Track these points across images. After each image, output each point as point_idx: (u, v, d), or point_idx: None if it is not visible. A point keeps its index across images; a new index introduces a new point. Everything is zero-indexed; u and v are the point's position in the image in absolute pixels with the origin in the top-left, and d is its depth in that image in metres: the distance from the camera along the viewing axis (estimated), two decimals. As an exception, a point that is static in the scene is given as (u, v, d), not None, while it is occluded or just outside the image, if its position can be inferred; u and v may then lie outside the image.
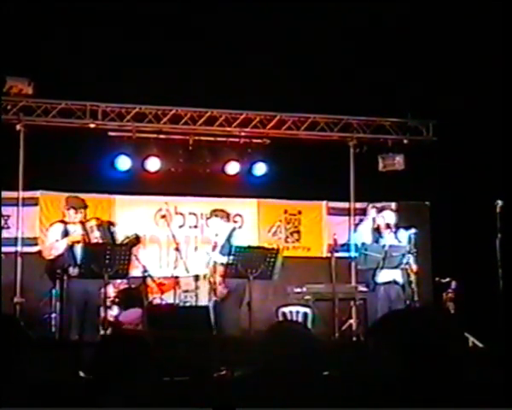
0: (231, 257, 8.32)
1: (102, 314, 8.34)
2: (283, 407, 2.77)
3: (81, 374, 6.48)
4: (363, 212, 10.02)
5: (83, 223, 8.38)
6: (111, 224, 9.02)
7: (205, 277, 9.13)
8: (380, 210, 9.43)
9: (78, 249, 8.11)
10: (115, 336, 3.50)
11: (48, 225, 9.17)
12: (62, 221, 8.45)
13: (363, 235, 9.23)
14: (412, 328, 2.57)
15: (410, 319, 2.64)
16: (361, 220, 10.77)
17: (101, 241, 8.40)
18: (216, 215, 8.99)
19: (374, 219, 9.23)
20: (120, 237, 8.98)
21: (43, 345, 6.97)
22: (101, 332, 8.09)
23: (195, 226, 11.05)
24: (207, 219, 9.33)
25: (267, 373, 2.87)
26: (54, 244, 8.29)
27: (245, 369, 6.87)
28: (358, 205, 11.21)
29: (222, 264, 8.55)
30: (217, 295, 8.59)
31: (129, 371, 2.83)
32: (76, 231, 8.31)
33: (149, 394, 2.85)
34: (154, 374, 2.90)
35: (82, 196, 8.89)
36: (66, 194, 8.88)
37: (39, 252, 9.33)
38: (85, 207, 8.50)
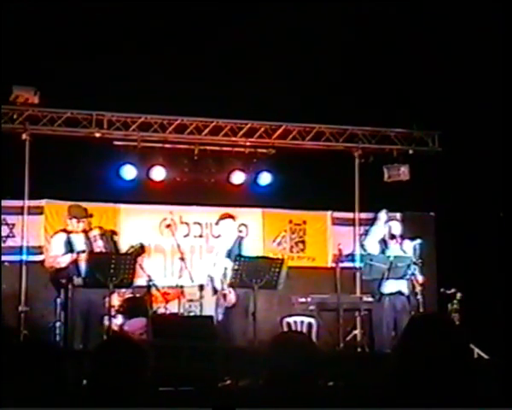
0: (236, 266, 8.31)
1: (107, 323, 8.34)
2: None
3: (84, 383, 6.47)
4: (372, 222, 9.95)
5: (86, 232, 8.37)
6: (114, 233, 9.03)
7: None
8: (388, 219, 9.41)
9: (83, 265, 8.11)
10: (111, 341, 3.49)
11: (51, 235, 9.18)
12: (65, 230, 8.45)
13: (372, 241, 9.18)
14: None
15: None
16: (366, 232, 10.77)
17: (104, 250, 8.40)
18: (228, 217, 8.99)
19: (386, 224, 9.18)
20: (125, 246, 8.98)
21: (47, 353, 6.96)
22: (106, 341, 8.07)
23: (200, 236, 11.04)
24: (219, 220, 9.21)
25: (271, 384, 2.86)
26: (57, 258, 8.29)
27: (249, 379, 6.87)
28: (363, 215, 11.20)
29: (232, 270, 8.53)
30: (226, 302, 8.55)
31: (124, 377, 2.83)
32: (79, 242, 8.29)
33: (146, 399, 2.85)
34: (149, 381, 2.90)
35: (87, 204, 8.89)
36: (75, 203, 8.87)
37: (44, 261, 9.34)
38: (87, 216, 8.48)
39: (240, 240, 8.88)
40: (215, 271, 8.81)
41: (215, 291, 8.82)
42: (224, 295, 8.56)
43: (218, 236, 9.35)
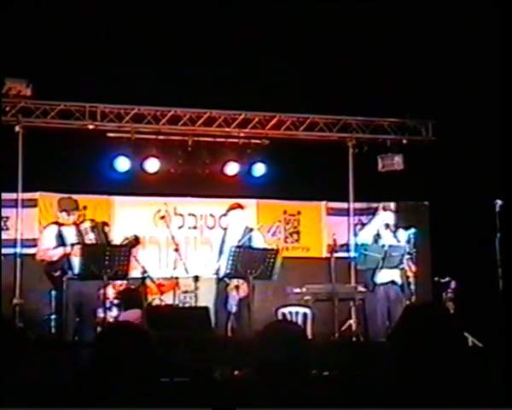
0: (231, 257, 8.29)
1: (102, 315, 8.34)
2: (277, 407, 2.76)
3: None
4: (374, 211, 9.95)
5: (77, 225, 8.30)
6: (105, 224, 8.98)
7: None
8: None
9: (75, 260, 8.06)
10: (114, 328, 3.48)
11: (42, 228, 9.14)
12: (56, 223, 8.40)
13: (368, 235, 9.20)
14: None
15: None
16: (363, 224, 10.78)
17: (95, 243, 8.35)
18: (237, 208, 8.95)
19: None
20: (119, 238, 8.96)
21: (42, 346, 6.96)
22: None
23: (195, 227, 11.05)
24: (228, 210, 9.15)
25: (261, 373, 2.86)
26: (48, 250, 8.23)
27: (243, 369, 6.89)
28: (358, 205, 11.23)
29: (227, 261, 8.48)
30: (239, 293, 8.51)
31: (129, 363, 2.82)
32: (70, 235, 8.22)
33: (149, 389, 2.84)
34: (153, 368, 2.89)
35: (81, 197, 8.87)
36: (66, 195, 8.85)
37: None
38: (78, 208, 8.43)
39: (249, 231, 8.84)
40: (222, 261, 8.70)
41: (219, 281, 8.73)
42: (237, 287, 8.51)
43: (226, 227, 9.28)
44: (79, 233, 8.23)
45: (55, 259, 8.14)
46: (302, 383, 2.81)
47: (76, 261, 8.04)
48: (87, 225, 8.38)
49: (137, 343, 2.87)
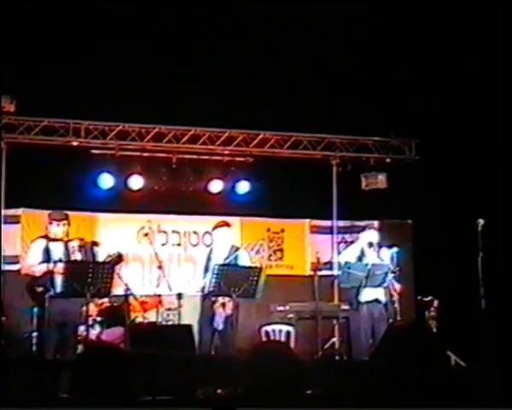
0: (214, 275, 8.27)
1: (84, 333, 8.28)
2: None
3: (61, 394, 6.43)
4: (358, 230, 9.95)
5: (65, 243, 8.24)
6: (94, 244, 8.91)
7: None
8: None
9: (58, 278, 8.00)
10: (92, 349, 3.47)
11: (30, 241, 9.07)
12: (46, 237, 8.34)
13: (352, 254, 9.21)
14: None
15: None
16: (346, 242, 10.81)
17: None
18: (223, 226, 8.91)
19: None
20: (103, 255, 8.91)
21: (22, 364, 6.90)
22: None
23: (178, 244, 11.03)
24: (214, 228, 9.11)
25: (250, 393, 2.85)
26: (34, 266, 8.16)
27: (228, 388, 6.86)
28: (341, 223, 11.25)
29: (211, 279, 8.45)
30: (225, 311, 8.48)
31: (108, 382, 2.81)
32: (57, 251, 8.14)
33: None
34: (135, 385, 2.88)
35: (64, 213, 8.78)
36: (49, 211, 8.79)
37: (20, 269, 9.25)
38: (67, 219, 8.36)
39: (236, 250, 8.81)
40: (207, 279, 8.63)
41: (204, 298, 8.69)
42: (223, 304, 8.48)
43: (210, 244, 9.25)
44: (67, 251, 8.16)
45: (38, 275, 8.09)
46: (288, 402, 2.81)
47: (59, 279, 7.98)
48: (75, 243, 8.28)
49: (115, 363, 2.86)
